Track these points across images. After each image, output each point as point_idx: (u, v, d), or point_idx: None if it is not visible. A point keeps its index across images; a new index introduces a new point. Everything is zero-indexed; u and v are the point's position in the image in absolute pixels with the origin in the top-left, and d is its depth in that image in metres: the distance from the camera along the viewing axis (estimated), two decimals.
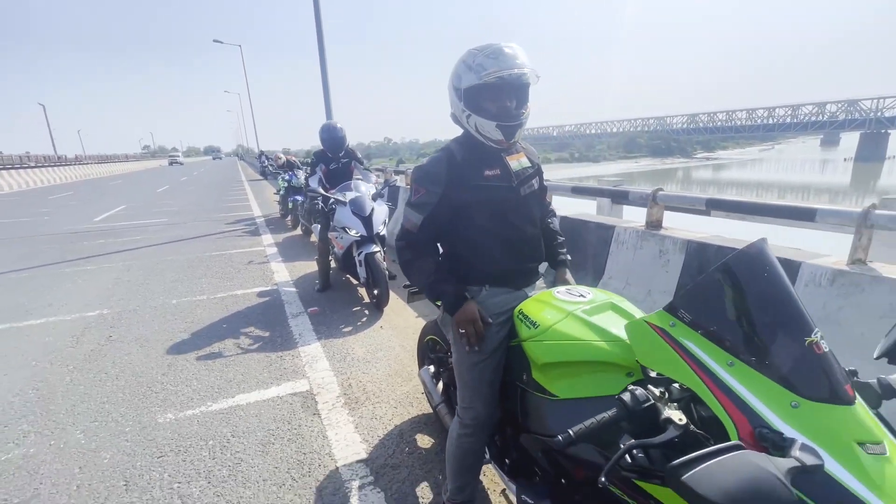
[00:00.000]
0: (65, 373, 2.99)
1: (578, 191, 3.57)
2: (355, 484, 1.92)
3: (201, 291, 4.64)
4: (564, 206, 4.93)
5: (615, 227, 2.88)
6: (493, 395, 1.43)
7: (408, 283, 1.84)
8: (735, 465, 0.60)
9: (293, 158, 10.31)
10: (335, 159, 4.77)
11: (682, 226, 2.78)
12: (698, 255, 2.36)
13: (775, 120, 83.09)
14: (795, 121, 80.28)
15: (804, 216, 2.04)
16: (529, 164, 1.53)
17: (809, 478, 0.71)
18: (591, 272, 2.96)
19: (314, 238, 6.00)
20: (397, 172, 8.24)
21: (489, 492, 1.87)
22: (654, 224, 2.74)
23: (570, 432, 0.86)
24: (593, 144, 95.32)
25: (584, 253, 3.08)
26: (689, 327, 0.89)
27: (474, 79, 1.29)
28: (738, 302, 0.86)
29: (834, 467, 0.71)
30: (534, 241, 1.53)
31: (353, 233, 3.89)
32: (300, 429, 2.32)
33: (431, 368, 2.11)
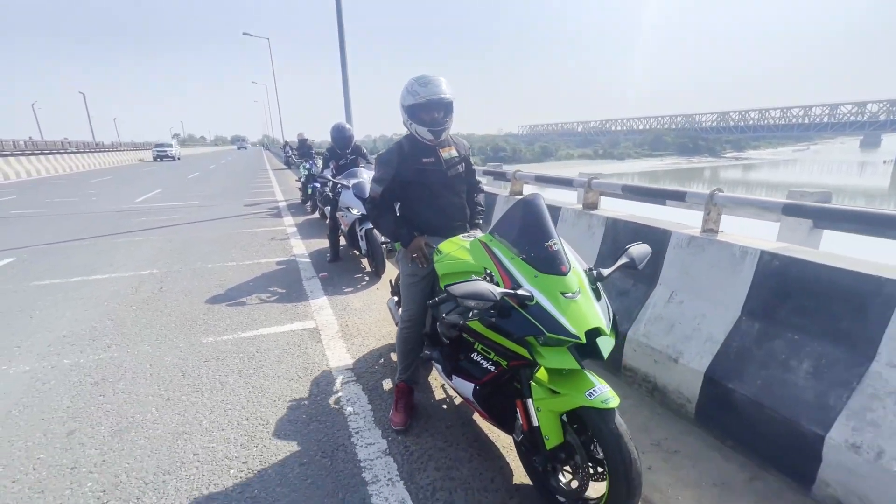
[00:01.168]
0: (130, 310, 3.88)
1: (540, 179, 4.25)
2: (341, 379, 2.71)
3: (231, 259, 5.52)
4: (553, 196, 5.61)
5: (561, 209, 3.57)
6: (422, 301, 2.17)
7: (384, 241, 2.60)
8: (473, 284, 1.35)
9: (310, 142, 11.19)
10: (343, 156, 5.57)
11: (619, 208, 3.47)
12: (613, 227, 3.06)
13: (811, 119, 79.95)
14: (833, 121, 77.15)
15: (679, 197, 2.71)
16: (457, 155, 2.26)
17: (531, 307, 1.44)
18: None
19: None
20: None
21: (433, 386, 2.63)
22: (589, 206, 3.43)
23: (435, 299, 1.60)
24: (618, 141, 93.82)
25: None
26: (497, 241, 1.63)
27: (412, 99, 2.03)
28: (520, 226, 1.60)
29: (545, 303, 1.44)
30: (458, 207, 2.27)
31: (354, 212, 4.67)
32: (306, 349, 3.12)
33: (395, 298, 2.88)
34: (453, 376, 1.89)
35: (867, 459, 1.59)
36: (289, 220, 8.25)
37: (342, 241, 5.49)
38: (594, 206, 3.44)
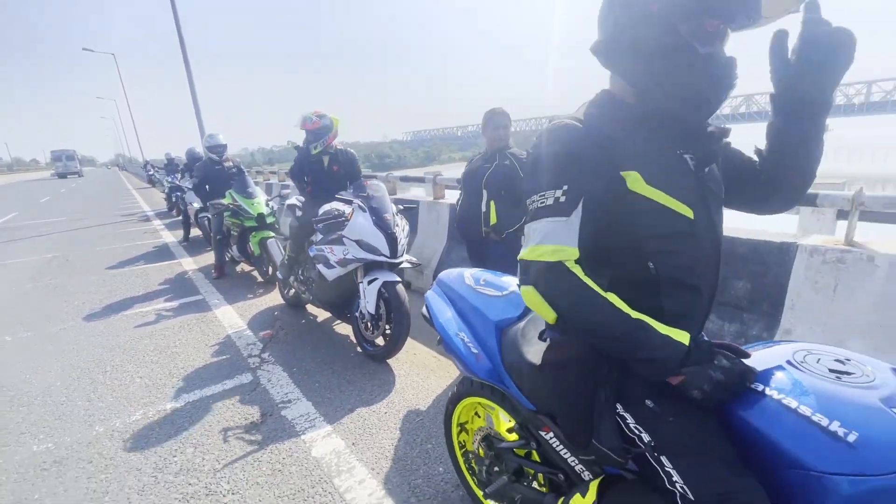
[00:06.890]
0: (53, 269, 6.33)
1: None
2: (191, 272, 5.75)
3: (115, 245, 7.96)
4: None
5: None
6: (220, 225, 5.34)
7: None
8: (219, 202, 4.63)
9: (176, 160, 13.24)
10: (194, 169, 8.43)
11: None
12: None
13: None
14: None
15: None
16: (232, 164, 5.48)
17: (242, 209, 4.78)
18: None
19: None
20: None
21: (237, 267, 5.81)
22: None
23: (217, 212, 4.82)
24: None
25: None
26: (235, 192, 4.93)
27: (206, 144, 5.23)
28: (239, 183, 4.91)
29: (245, 206, 4.77)
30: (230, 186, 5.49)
31: (195, 205, 7.54)
32: (174, 269, 6.04)
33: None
34: (234, 248, 5.12)
35: None
36: (158, 223, 10.54)
37: (197, 231, 8.27)
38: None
